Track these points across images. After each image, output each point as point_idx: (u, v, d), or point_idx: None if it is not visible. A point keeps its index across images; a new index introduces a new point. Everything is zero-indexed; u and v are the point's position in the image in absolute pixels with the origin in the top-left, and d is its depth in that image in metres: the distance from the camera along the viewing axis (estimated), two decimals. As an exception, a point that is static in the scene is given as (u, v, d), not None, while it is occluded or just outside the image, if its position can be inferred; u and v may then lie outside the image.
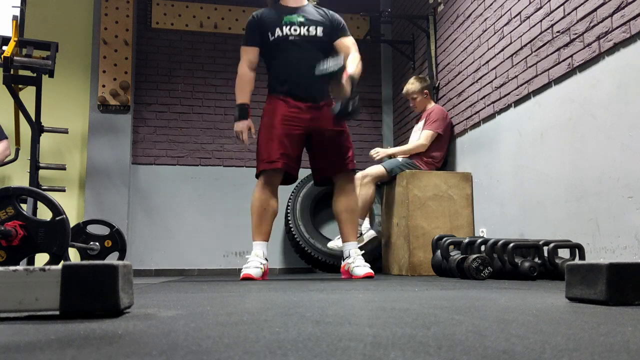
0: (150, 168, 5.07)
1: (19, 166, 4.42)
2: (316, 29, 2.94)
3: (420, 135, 3.99)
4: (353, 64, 2.79)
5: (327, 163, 2.99)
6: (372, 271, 2.88)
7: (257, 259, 2.82)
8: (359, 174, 3.89)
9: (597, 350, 0.56)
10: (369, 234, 4.10)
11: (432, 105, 4.11)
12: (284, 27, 2.92)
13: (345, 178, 3.02)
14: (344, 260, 3.02)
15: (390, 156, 4.05)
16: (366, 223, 4.10)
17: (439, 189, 3.69)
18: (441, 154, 3.99)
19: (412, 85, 4.14)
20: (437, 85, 4.40)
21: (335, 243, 3.90)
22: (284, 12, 2.97)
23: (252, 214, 2.93)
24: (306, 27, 2.93)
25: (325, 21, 2.99)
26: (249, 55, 3.01)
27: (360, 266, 2.88)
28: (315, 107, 2.93)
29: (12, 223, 2.25)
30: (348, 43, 2.99)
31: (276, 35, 2.92)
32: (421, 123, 4.07)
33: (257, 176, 2.95)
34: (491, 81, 3.54)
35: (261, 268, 2.79)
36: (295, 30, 2.92)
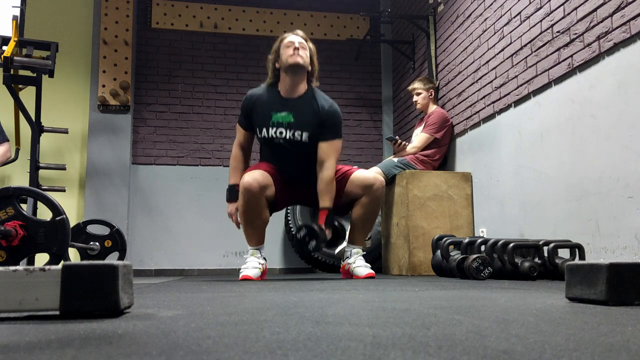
0: (150, 168, 5.07)
1: (19, 166, 4.42)
2: (302, 135, 2.82)
3: (415, 139, 4.04)
4: (325, 195, 2.79)
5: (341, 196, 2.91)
6: (372, 271, 2.88)
7: (254, 259, 2.82)
8: None
9: (597, 350, 0.56)
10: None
11: (434, 108, 4.12)
12: (271, 129, 2.83)
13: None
14: (343, 260, 3.03)
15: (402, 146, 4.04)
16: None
17: (439, 189, 3.69)
18: (439, 154, 4.00)
19: (419, 81, 4.18)
20: (437, 85, 4.41)
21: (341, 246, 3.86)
22: (275, 105, 2.85)
23: (241, 223, 2.86)
24: (292, 132, 2.82)
25: (316, 122, 2.82)
26: (239, 137, 3.00)
27: (361, 266, 2.89)
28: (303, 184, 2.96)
29: (12, 223, 2.25)
30: (329, 151, 2.83)
31: (263, 135, 2.87)
32: (421, 127, 4.09)
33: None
34: (491, 81, 3.54)
35: (259, 268, 2.79)
36: (281, 133, 2.83)
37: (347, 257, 2.98)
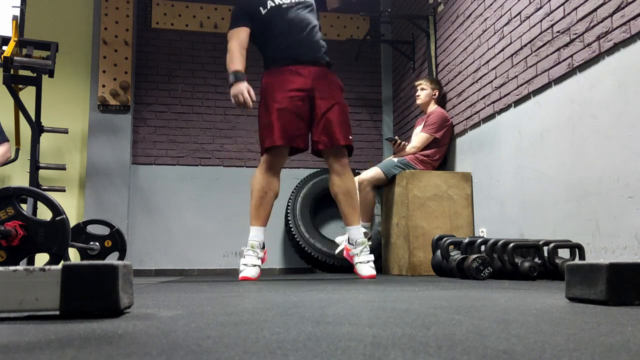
0: (150, 168, 5.07)
1: (19, 166, 4.42)
2: None
3: (415, 138, 4.05)
4: None
5: (319, 134, 2.90)
6: (374, 272, 2.88)
7: (253, 254, 2.82)
8: (355, 179, 3.82)
9: (597, 350, 0.56)
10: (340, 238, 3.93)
11: (434, 107, 4.12)
12: None
13: (336, 155, 2.91)
14: (349, 243, 2.99)
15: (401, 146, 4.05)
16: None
17: (439, 189, 3.69)
18: (439, 154, 4.00)
19: (427, 79, 4.20)
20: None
21: (340, 239, 3.76)
22: None
23: (251, 196, 2.89)
24: None
25: None
26: (239, 35, 2.93)
27: (364, 263, 2.87)
28: (316, 71, 2.91)
29: (12, 223, 2.25)
30: None
31: (269, 6, 2.92)
32: (421, 126, 4.09)
33: (262, 154, 2.93)
34: (491, 81, 3.54)
35: (258, 265, 2.81)
36: None
37: (352, 246, 2.94)
